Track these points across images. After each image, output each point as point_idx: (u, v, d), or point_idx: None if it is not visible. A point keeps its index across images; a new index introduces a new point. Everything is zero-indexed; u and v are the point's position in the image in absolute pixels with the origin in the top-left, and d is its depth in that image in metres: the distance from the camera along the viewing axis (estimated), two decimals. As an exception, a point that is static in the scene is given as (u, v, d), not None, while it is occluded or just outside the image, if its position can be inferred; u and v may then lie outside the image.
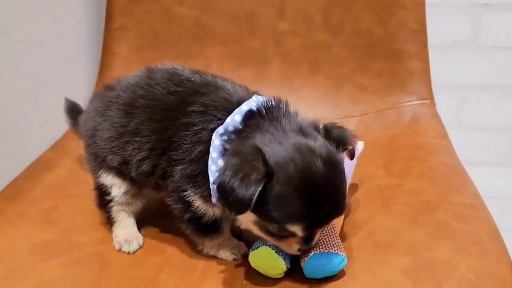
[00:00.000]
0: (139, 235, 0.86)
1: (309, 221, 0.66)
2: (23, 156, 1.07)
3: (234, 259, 0.80)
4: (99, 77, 1.32)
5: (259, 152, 0.65)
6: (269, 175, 0.64)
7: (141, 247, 0.83)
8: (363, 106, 1.25)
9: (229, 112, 0.70)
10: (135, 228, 0.87)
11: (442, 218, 0.85)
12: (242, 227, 0.78)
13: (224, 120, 0.70)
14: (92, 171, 0.88)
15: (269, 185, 0.64)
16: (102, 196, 0.86)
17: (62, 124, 1.21)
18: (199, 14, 1.33)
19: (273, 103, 0.72)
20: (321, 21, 1.31)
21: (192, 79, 0.78)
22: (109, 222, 0.87)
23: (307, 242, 0.70)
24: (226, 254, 0.80)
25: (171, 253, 0.82)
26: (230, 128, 0.69)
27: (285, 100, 0.74)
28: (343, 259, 0.74)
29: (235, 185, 0.62)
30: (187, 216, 0.77)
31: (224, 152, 0.69)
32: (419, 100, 1.23)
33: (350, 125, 1.16)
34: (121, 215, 0.86)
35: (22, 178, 1.02)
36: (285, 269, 0.73)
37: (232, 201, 0.63)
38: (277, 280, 0.75)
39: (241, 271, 0.77)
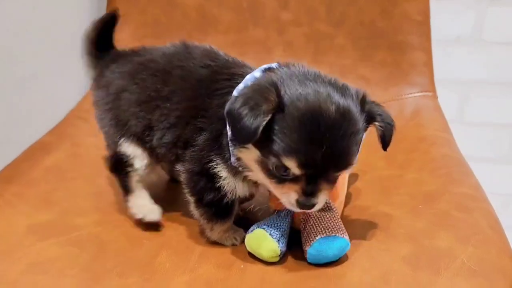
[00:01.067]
0: (154, 203, 0.86)
1: (305, 158, 0.63)
2: (22, 140, 1.07)
3: (233, 244, 0.80)
4: (100, 63, 1.31)
5: (273, 85, 0.65)
6: (279, 108, 0.63)
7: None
8: (365, 97, 1.24)
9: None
10: (149, 199, 0.87)
11: (443, 207, 0.85)
12: (250, 175, 0.73)
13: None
14: (109, 137, 0.86)
15: (277, 118, 0.63)
16: (121, 165, 0.85)
17: (61, 108, 1.21)
18: (202, 2, 1.33)
19: (300, 64, 0.71)
20: (325, 12, 1.30)
21: (226, 58, 0.81)
22: (125, 190, 0.86)
23: (307, 194, 0.66)
24: (227, 240, 0.80)
25: (169, 236, 0.81)
26: (249, 83, 0.69)
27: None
28: (347, 244, 0.73)
29: (244, 112, 0.62)
30: (208, 197, 0.75)
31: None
32: (422, 92, 1.23)
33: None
34: (139, 186, 0.86)
35: (20, 160, 1.02)
36: (278, 252, 0.73)
37: (239, 128, 0.63)
38: (275, 265, 0.74)
39: (239, 255, 0.76)
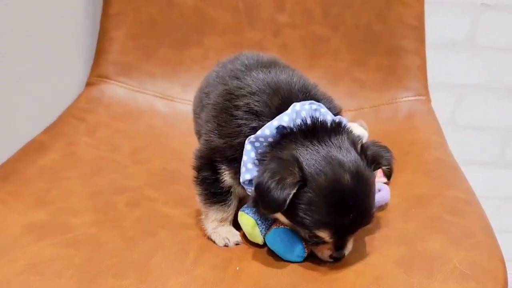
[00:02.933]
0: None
1: (336, 228, 0.71)
2: (17, 139, 1.06)
3: (225, 245, 0.80)
4: (94, 62, 1.31)
5: (296, 159, 0.70)
6: (303, 181, 0.69)
7: None
8: (359, 100, 1.26)
9: (267, 116, 0.76)
10: None
11: (435, 211, 0.86)
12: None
13: (262, 123, 0.75)
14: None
15: (302, 192, 0.69)
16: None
17: (57, 107, 1.21)
18: (199, 3, 1.33)
19: (309, 118, 0.74)
20: (321, 14, 1.31)
21: (240, 76, 0.84)
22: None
23: (339, 249, 0.74)
24: (219, 237, 0.81)
25: (164, 237, 0.81)
26: (261, 139, 0.74)
27: (338, 118, 0.77)
28: (302, 249, 0.75)
29: (271, 186, 0.68)
30: (204, 174, 0.81)
31: (257, 158, 0.74)
32: (415, 96, 1.24)
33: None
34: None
35: (14, 159, 1.01)
36: (261, 243, 0.79)
37: (267, 201, 0.69)
38: (271, 268, 0.75)
39: (235, 257, 0.77)
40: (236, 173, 0.77)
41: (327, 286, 0.71)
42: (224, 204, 0.81)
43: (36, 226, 0.82)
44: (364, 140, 0.95)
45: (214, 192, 0.81)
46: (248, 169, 0.75)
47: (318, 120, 0.74)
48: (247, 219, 0.79)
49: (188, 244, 0.80)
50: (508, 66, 1.47)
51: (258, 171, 0.73)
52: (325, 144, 0.72)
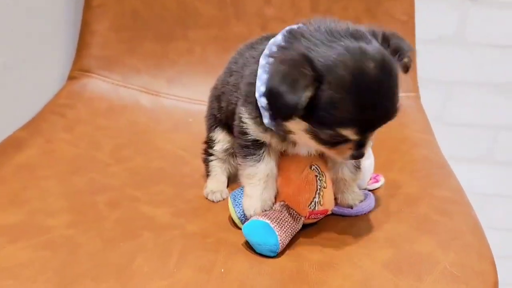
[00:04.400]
0: (225, 189, 0.92)
1: (362, 124, 0.65)
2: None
3: (246, 213, 0.79)
4: (76, 55, 1.27)
5: (304, 57, 0.64)
6: (318, 79, 0.63)
7: (223, 199, 0.90)
8: (348, 97, 1.23)
9: (285, 39, 0.71)
10: (225, 184, 0.94)
11: (424, 211, 0.84)
12: (294, 138, 0.75)
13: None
14: (207, 127, 0.96)
15: (319, 90, 0.63)
16: (207, 150, 0.95)
17: (37, 102, 1.16)
18: (183, -6, 1.29)
19: (331, 20, 0.69)
20: (309, 8, 1.29)
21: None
22: (206, 175, 0.95)
23: (360, 147, 0.69)
24: (247, 202, 0.78)
25: (146, 239, 0.78)
26: (273, 48, 0.70)
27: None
28: (276, 244, 0.73)
29: (282, 90, 0.63)
30: (237, 129, 0.79)
31: (266, 63, 0.69)
32: (405, 93, 1.22)
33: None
34: (216, 170, 0.94)
35: (-11, 157, 0.97)
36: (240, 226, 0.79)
37: (280, 106, 0.64)
38: (256, 270, 0.72)
39: (219, 259, 0.74)
40: (255, 112, 0.74)
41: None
42: (253, 158, 0.78)
43: (10, 228, 0.78)
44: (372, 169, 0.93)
45: (245, 145, 0.78)
46: (263, 81, 0.69)
47: (335, 22, 0.68)
48: (230, 204, 0.81)
49: (171, 245, 0.77)
50: (497, 62, 1.46)
51: (267, 76, 0.67)
52: (342, 37, 0.65)
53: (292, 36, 0.69)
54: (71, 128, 1.10)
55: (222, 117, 0.91)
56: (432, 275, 0.70)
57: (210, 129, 0.95)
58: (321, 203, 0.79)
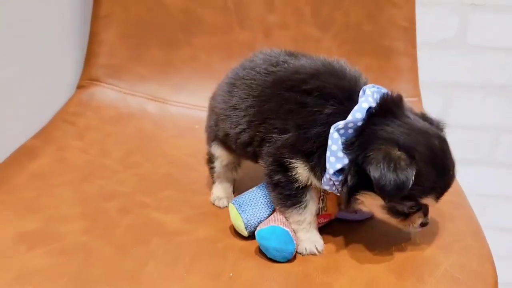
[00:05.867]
0: (232, 195, 0.96)
1: (441, 189, 0.75)
2: (6, 144, 1.05)
3: (311, 253, 0.79)
4: (85, 64, 1.30)
5: (394, 142, 0.71)
6: (412, 158, 0.70)
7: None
8: (350, 101, 1.25)
9: (340, 99, 0.75)
10: (230, 190, 0.98)
11: (426, 214, 0.87)
12: (364, 209, 0.79)
13: (336, 107, 0.75)
14: (207, 140, 0.99)
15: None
16: (209, 162, 0.98)
17: (47, 110, 1.20)
18: (187, 2, 1.32)
19: (387, 96, 0.76)
20: (311, 15, 1.31)
21: (288, 61, 0.84)
22: (212, 181, 0.99)
23: (426, 215, 0.78)
24: (307, 244, 0.80)
25: (156, 245, 0.81)
26: (350, 125, 0.73)
27: (396, 93, 0.78)
28: (292, 252, 0.77)
29: (391, 174, 0.69)
30: (276, 178, 0.79)
31: (345, 146, 0.73)
32: (407, 97, 1.22)
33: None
34: (220, 179, 0.97)
35: (3, 166, 1.00)
36: (246, 234, 0.82)
37: (391, 189, 0.69)
38: (264, 274, 0.75)
39: (227, 264, 0.77)
40: (314, 167, 0.76)
41: (320, 292, 0.72)
42: (299, 206, 0.79)
43: (27, 235, 0.81)
44: None
45: (288, 194, 0.79)
46: (339, 158, 0.73)
47: (388, 97, 0.76)
48: (233, 210, 0.83)
49: (181, 251, 0.80)
50: (498, 65, 1.48)
51: (366, 165, 0.70)
52: (401, 119, 0.74)
53: (368, 119, 0.73)
54: (81, 136, 1.13)
55: (219, 134, 0.92)
56: (434, 277, 0.73)
57: (209, 142, 0.98)
58: (325, 209, 0.82)
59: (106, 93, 1.27)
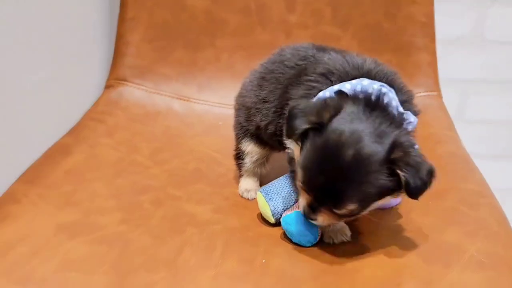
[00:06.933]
0: (258, 187, 0.98)
1: (307, 177, 0.72)
2: (40, 142, 1.09)
3: (338, 241, 0.81)
4: (112, 65, 1.34)
5: (336, 108, 0.72)
6: (320, 126, 0.71)
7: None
8: (371, 97, 1.28)
9: (331, 83, 0.78)
10: (257, 183, 1.01)
11: (450, 204, 0.89)
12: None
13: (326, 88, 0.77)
14: (236, 137, 1.02)
15: (313, 135, 0.71)
16: (238, 158, 1.01)
17: (78, 110, 1.24)
18: (210, 5, 1.35)
19: (374, 96, 0.73)
20: (330, 14, 1.33)
21: (315, 55, 0.87)
22: (239, 175, 1.02)
23: (311, 208, 0.74)
24: (332, 233, 0.81)
25: (191, 234, 0.84)
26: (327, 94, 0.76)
27: (385, 92, 0.74)
28: (316, 237, 0.80)
29: (297, 115, 0.72)
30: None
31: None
32: (427, 92, 1.27)
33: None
34: (248, 173, 1.01)
35: (40, 163, 1.04)
36: (273, 221, 0.86)
37: (288, 125, 0.73)
38: (296, 259, 0.78)
39: (260, 251, 0.80)
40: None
41: (349, 276, 0.75)
42: None
43: (67, 226, 0.85)
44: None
45: None
46: None
47: (380, 100, 0.73)
48: (260, 199, 0.87)
49: (215, 239, 0.83)
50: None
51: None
52: (368, 121, 0.70)
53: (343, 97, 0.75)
54: (111, 134, 1.17)
55: (251, 128, 0.96)
56: (460, 263, 0.75)
57: (238, 140, 1.00)
58: None
59: (133, 93, 1.31)
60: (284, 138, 0.79)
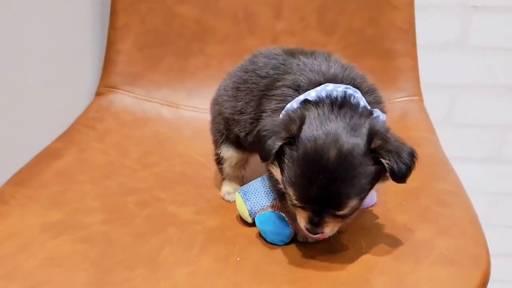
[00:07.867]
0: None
1: (299, 193, 0.71)
2: (31, 146, 1.13)
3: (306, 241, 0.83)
4: (103, 73, 1.38)
5: (301, 120, 0.72)
6: (293, 138, 0.71)
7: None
8: (355, 102, 1.31)
9: (298, 94, 0.79)
10: (238, 185, 1.01)
11: (424, 203, 0.92)
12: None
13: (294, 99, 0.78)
14: (214, 142, 1.03)
15: (289, 151, 0.72)
16: (218, 163, 1.03)
17: (68, 116, 1.28)
18: (199, 13, 1.39)
19: (340, 98, 0.75)
20: (316, 21, 1.37)
21: (286, 63, 0.87)
22: (222, 178, 1.05)
23: (313, 223, 0.73)
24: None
25: (172, 233, 0.88)
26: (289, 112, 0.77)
27: (353, 92, 0.76)
28: (288, 236, 0.83)
29: (266, 135, 0.72)
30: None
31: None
32: (409, 96, 1.29)
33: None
34: (229, 177, 1.03)
35: (30, 165, 1.08)
36: (250, 220, 0.88)
37: (260, 149, 0.74)
38: (268, 258, 0.81)
39: (236, 249, 0.83)
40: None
41: (322, 273, 0.77)
42: None
43: (53, 225, 0.89)
44: None
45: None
46: None
47: (346, 99, 0.74)
48: (238, 198, 0.89)
49: (194, 238, 0.86)
50: (501, 65, 1.52)
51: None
52: (338, 119, 0.71)
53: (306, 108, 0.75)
54: (101, 138, 1.21)
55: (231, 136, 0.97)
56: (430, 259, 0.78)
57: (217, 145, 1.01)
58: None
59: (123, 100, 1.35)
60: (260, 162, 0.78)
